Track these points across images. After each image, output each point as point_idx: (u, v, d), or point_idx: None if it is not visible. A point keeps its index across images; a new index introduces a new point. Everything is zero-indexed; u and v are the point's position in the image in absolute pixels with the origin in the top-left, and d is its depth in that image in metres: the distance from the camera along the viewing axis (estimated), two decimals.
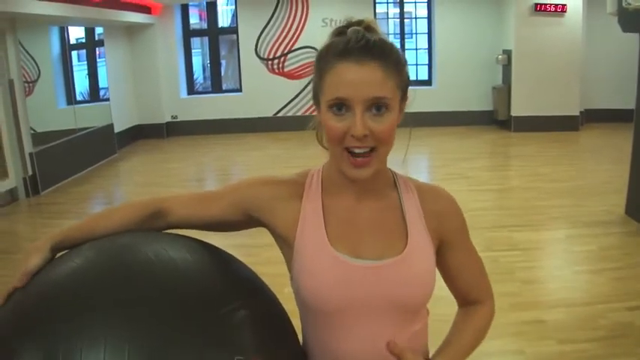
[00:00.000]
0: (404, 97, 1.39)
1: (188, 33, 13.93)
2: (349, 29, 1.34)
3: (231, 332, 1.22)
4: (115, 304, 1.17)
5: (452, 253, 1.52)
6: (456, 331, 1.61)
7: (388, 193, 1.46)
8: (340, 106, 1.28)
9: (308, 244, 1.40)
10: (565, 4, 11.79)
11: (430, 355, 1.52)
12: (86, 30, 11.30)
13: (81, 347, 1.11)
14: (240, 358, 1.18)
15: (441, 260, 1.52)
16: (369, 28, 1.35)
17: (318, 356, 1.45)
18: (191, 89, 14.12)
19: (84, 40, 11.48)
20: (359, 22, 1.36)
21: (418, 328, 1.49)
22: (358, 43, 1.29)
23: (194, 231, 1.48)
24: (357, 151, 1.30)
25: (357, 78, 1.27)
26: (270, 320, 1.35)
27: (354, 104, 1.27)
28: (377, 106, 1.28)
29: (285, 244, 1.46)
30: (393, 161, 1.48)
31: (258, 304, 1.34)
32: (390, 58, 1.31)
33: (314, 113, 1.41)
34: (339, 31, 1.36)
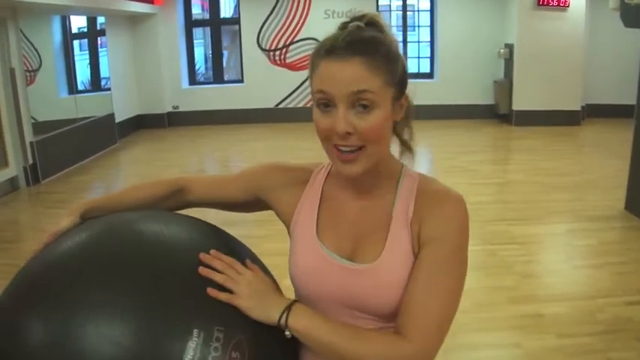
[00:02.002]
0: (399, 94, 1.35)
1: (190, 23, 13.90)
2: (350, 24, 1.32)
3: (216, 305, 1.25)
4: (110, 276, 1.22)
5: (414, 263, 1.33)
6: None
7: (385, 193, 1.41)
8: (326, 102, 1.28)
9: (299, 231, 1.45)
10: None
11: None
12: (88, 19, 11.28)
13: (79, 315, 1.16)
14: (220, 328, 1.21)
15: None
16: (370, 22, 1.32)
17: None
18: (193, 79, 14.10)
19: (86, 30, 11.46)
20: (361, 18, 1.33)
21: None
22: (344, 40, 1.28)
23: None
24: (342, 148, 1.29)
25: (339, 73, 1.25)
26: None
27: (336, 100, 1.26)
28: (362, 103, 1.26)
29: (286, 228, 1.52)
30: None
31: None
32: (378, 54, 1.27)
33: None
34: (343, 27, 1.34)
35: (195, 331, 1.18)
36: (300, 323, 1.27)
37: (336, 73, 1.26)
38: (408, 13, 13.69)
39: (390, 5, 13.76)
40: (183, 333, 1.18)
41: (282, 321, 1.27)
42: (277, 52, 13.44)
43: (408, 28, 13.67)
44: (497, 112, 12.80)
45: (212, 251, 1.30)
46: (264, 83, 13.38)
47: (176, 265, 1.28)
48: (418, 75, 13.41)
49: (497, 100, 12.75)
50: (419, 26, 13.75)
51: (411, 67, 13.51)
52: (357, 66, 1.25)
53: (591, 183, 7.81)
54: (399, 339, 1.26)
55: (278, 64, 13.47)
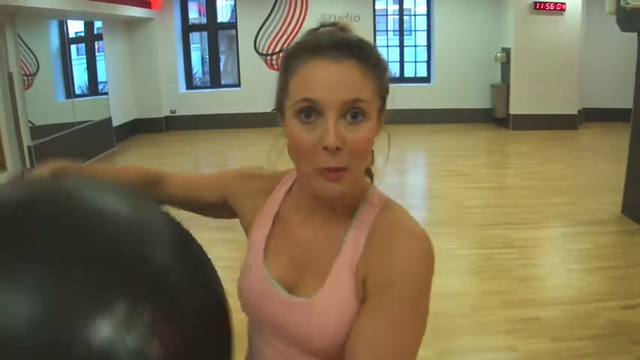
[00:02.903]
0: (383, 107, 1.18)
1: (187, 28, 13.92)
2: (321, 29, 1.20)
3: (144, 276, 1.10)
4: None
5: (361, 310, 1.12)
6: None
7: (338, 224, 1.21)
8: (309, 112, 1.08)
9: (251, 245, 1.31)
10: (564, 3, 11.79)
11: None
12: (85, 24, 11.29)
13: None
14: (146, 303, 1.05)
15: None
16: (343, 29, 1.19)
17: (251, 351, 1.34)
18: (190, 84, 14.10)
19: (83, 34, 11.47)
20: (333, 24, 1.21)
21: None
22: (334, 38, 1.12)
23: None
24: (331, 165, 1.08)
25: (332, 77, 1.07)
26: (196, 288, 1.18)
27: (326, 108, 1.06)
28: (353, 113, 1.08)
29: (246, 236, 1.38)
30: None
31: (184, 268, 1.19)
32: (370, 59, 1.12)
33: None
34: (313, 31, 1.21)
35: (117, 304, 1.01)
36: None
37: (327, 76, 1.07)
38: (405, 17, 13.70)
39: (386, 9, 13.79)
40: (100, 304, 1.01)
41: None
42: (274, 56, 13.44)
43: (405, 33, 13.68)
44: (494, 116, 12.81)
45: None
46: (261, 87, 13.33)
47: (102, 232, 1.12)
48: (415, 79, 13.43)
49: (494, 104, 12.76)
50: (416, 30, 13.78)
51: (408, 71, 13.55)
52: (352, 70, 1.08)
53: (587, 187, 7.83)
54: None
55: (275, 69, 13.46)
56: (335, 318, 1.11)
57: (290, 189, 1.33)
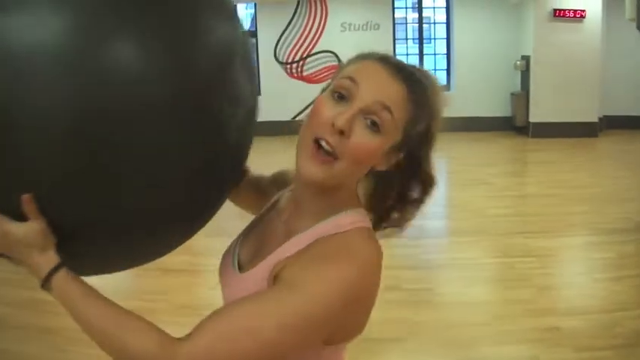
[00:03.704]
0: (401, 147, 1.21)
1: None
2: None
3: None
4: None
5: None
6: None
7: (306, 221, 1.23)
8: (342, 95, 1.14)
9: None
10: (584, 10, 11.74)
11: None
12: None
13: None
14: None
15: None
16: (427, 76, 1.25)
17: None
18: None
19: None
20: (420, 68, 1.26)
21: None
22: (401, 64, 1.20)
23: None
24: (324, 145, 1.12)
25: (380, 81, 1.14)
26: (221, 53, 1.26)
27: (357, 98, 1.13)
28: (373, 120, 1.12)
29: None
30: None
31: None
32: (420, 99, 1.18)
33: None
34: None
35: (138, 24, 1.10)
36: (59, 299, 1.15)
37: (377, 77, 1.15)
38: (424, 25, 13.72)
39: (406, 18, 13.82)
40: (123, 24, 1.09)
41: (44, 288, 1.16)
42: (294, 65, 13.49)
43: (425, 41, 13.69)
44: (514, 125, 12.75)
45: None
46: (281, 96, 13.40)
47: None
48: None
49: (514, 112, 12.71)
50: (435, 39, 13.79)
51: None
52: (399, 89, 1.15)
53: (609, 195, 7.76)
54: (160, 339, 1.07)
55: (295, 77, 13.52)
56: (243, 294, 1.13)
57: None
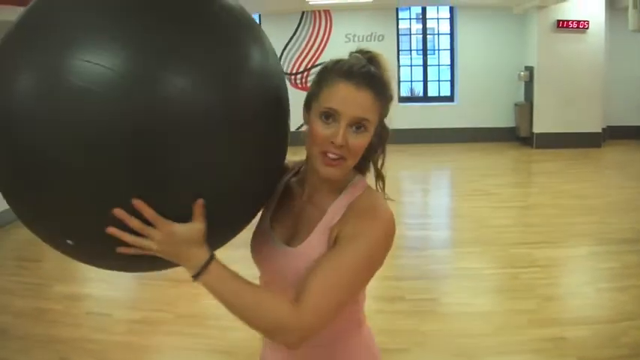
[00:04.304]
0: (380, 123, 1.60)
1: None
2: (355, 54, 1.60)
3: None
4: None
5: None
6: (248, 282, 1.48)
7: (329, 196, 1.63)
8: (329, 115, 1.50)
9: (262, 213, 1.74)
10: (587, 21, 11.76)
11: None
12: None
13: (68, 42, 1.23)
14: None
15: None
16: (371, 60, 1.57)
17: None
18: None
19: None
20: (366, 52, 1.60)
21: None
22: (361, 69, 1.51)
23: None
24: (331, 156, 1.50)
25: (352, 98, 1.49)
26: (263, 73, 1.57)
27: (341, 118, 1.49)
28: (358, 125, 1.50)
29: None
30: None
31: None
32: (383, 93, 1.55)
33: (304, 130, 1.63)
34: (351, 55, 1.60)
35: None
36: (209, 284, 1.42)
37: (349, 96, 1.49)
38: (428, 36, 13.74)
39: (410, 29, 13.85)
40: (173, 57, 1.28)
41: (196, 278, 1.42)
42: (299, 76, 13.52)
43: (428, 52, 13.71)
44: (518, 135, 12.76)
45: (135, 202, 1.30)
46: None
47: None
48: (438, 98, 13.44)
49: (518, 122, 12.71)
50: (439, 49, 13.79)
51: (432, 90, 13.56)
52: (367, 97, 1.50)
53: (613, 205, 7.77)
54: (281, 305, 1.41)
55: (299, 88, 13.53)
56: (309, 262, 1.52)
57: (298, 172, 1.78)
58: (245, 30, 1.53)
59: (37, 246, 6.22)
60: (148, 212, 1.31)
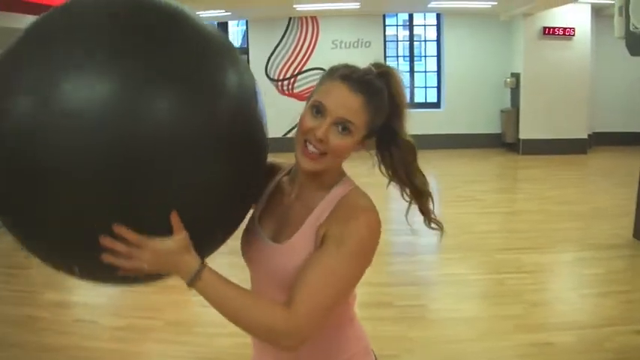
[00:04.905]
0: (369, 135, 1.62)
1: None
2: (367, 67, 1.63)
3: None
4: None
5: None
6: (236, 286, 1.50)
7: (317, 193, 1.65)
8: (318, 110, 1.54)
9: (255, 207, 1.78)
10: (573, 28, 11.85)
11: None
12: None
13: (54, 65, 1.27)
14: None
15: None
16: (380, 75, 1.60)
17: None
18: None
19: None
20: (380, 66, 1.63)
21: None
22: (363, 77, 1.56)
23: None
24: (310, 148, 1.54)
25: (342, 99, 1.53)
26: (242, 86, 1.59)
27: (328, 115, 1.53)
28: (343, 126, 1.53)
29: None
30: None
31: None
32: (376, 102, 1.57)
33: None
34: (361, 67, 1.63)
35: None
36: (204, 290, 1.44)
37: (341, 97, 1.53)
38: (415, 43, 13.79)
39: (397, 35, 13.89)
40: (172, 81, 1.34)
41: (191, 285, 1.44)
42: (285, 82, 13.53)
43: (415, 58, 13.76)
44: (504, 141, 12.83)
45: (116, 227, 1.33)
46: (272, 113, 13.13)
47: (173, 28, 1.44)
48: (425, 105, 13.47)
49: (504, 129, 12.78)
50: (426, 56, 13.84)
51: (418, 96, 13.60)
52: (358, 102, 1.54)
53: (599, 211, 7.81)
54: (273, 309, 1.44)
55: (286, 94, 13.55)
56: (291, 262, 1.55)
57: (289, 171, 1.78)
58: (220, 51, 1.54)
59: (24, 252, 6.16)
60: (130, 236, 1.35)
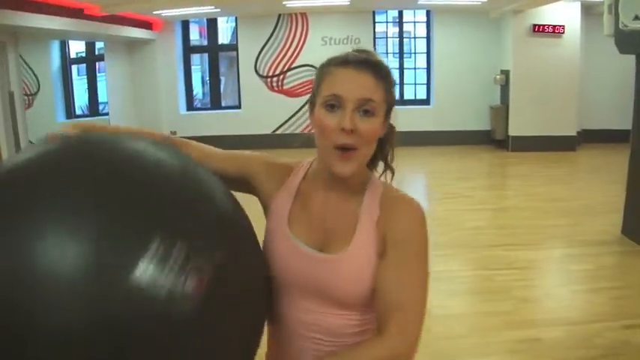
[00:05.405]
0: (388, 114, 1.52)
1: (188, 49, 13.99)
2: (352, 52, 1.52)
3: (182, 215, 1.24)
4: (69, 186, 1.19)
5: (381, 264, 1.46)
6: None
7: (354, 194, 1.55)
8: (333, 105, 1.43)
9: (274, 217, 1.60)
10: (563, 26, 11.89)
11: None
12: (86, 44, 11.35)
13: (27, 231, 1.12)
14: (182, 245, 1.17)
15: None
16: (367, 53, 1.51)
17: (273, 318, 1.59)
18: (190, 105, 14.16)
19: (84, 55, 11.53)
20: (361, 51, 1.52)
21: (359, 319, 1.52)
22: (359, 57, 1.47)
23: None
24: (344, 146, 1.42)
25: (353, 80, 1.44)
26: (230, 221, 1.38)
27: (346, 102, 1.42)
28: (365, 109, 1.43)
29: (264, 212, 1.66)
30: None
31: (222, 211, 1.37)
32: (383, 75, 1.48)
33: (312, 131, 1.53)
34: (346, 54, 1.52)
35: (153, 245, 1.14)
36: None
37: (349, 79, 1.44)
38: (405, 39, 13.79)
39: (386, 32, 13.89)
40: (139, 245, 1.14)
41: None
42: (275, 79, 13.51)
43: (405, 55, 13.76)
44: (494, 138, 12.86)
45: None
46: (262, 109, 13.43)
47: (141, 174, 1.27)
48: (414, 101, 13.48)
49: (494, 125, 12.81)
50: (415, 53, 13.86)
51: (408, 93, 13.61)
52: (368, 78, 1.44)
53: (588, 208, 7.83)
54: (384, 338, 1.39)
55: (275, 91, 13.54)
56: (358, 269, 1.46)
57: (305, 175, 1.63)
58: (211, 196, 1.37)
59: None
60: None
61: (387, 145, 1.60)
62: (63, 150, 1.31)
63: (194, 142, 1.73)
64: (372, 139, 1.48)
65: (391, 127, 1.57)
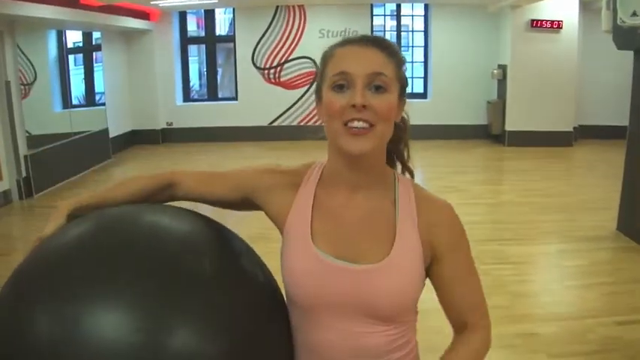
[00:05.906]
0: (402, 95, 1.43)
1: (185, 40, 13.95)
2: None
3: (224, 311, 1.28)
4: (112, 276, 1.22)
5: (441, 269, 1.44)
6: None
7: (383, 194, 1.44)
8: (342, 85, 1.33)
9: (293, 234, 1.44)
10: (561, 21, 11.87)
11: None
12: (83, 34, 11.30)
13: (78, 308, 1.17)
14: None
15: (432, 275, 1.46)
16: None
17: (298, 346, 1.46)
18: (187, 96, 14.12)
19: (81, 45, 11.47)
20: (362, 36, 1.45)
21: (395, 333, 1.44)
22: (362, 35, 1.40)
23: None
24: (356, 124, 1.31)
25: (360, 56, 1.34)
26: (261, 304, 1.39)
27: (355, 78, 1.32)
28: (377, 84, 1.32)
29: (279, 230, 1.52)
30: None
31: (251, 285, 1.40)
32: (390, 50, 1.39)
33: (309, 123, 1.46)
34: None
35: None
36: None
37: (356, 55, 1.35)
38: (402, 33, 13.78)
39: (384, 25, 13.86)
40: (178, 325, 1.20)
41: None
42: (272, 71, 13.48)
43: (402, 48, 13.72)
44: (490, 133, 12.85)
45: None
46: (258, 101, 13.40)
47: (169, 255, 1.30)
48: (412, 95, 13.42)
49: (490, 120, 12.80)
50: (413, 46, 13.82)
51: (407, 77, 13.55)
52: (376, 53, 1.35)
53: (583, 204, 7.85)
54: (475, 331, 1.52)
55: (272, 83, 13.51)
56: (403, 280, 1.37)
57: (320, 179, 1.49)
58: (245, 275, 1.41)
59: (6, 239, 6.14)
60: None
61: (401, 142, 1.55)
62: (89, 236, 1.35)
63: (189, 171, 1.63)
64: (388, 116, 1.36)
65: (404, 120, 1.52)
